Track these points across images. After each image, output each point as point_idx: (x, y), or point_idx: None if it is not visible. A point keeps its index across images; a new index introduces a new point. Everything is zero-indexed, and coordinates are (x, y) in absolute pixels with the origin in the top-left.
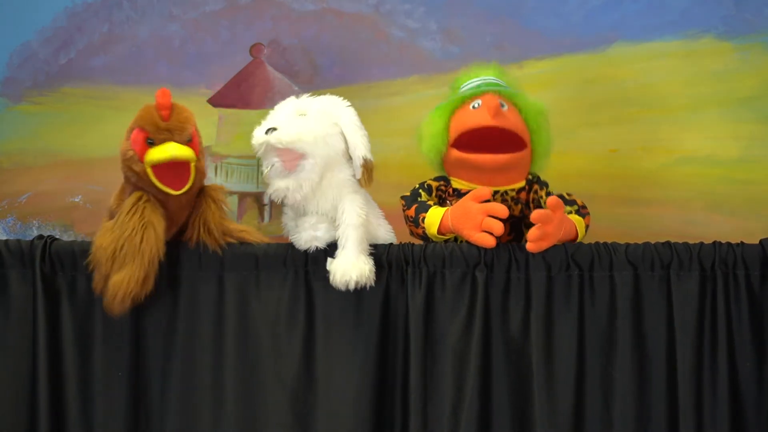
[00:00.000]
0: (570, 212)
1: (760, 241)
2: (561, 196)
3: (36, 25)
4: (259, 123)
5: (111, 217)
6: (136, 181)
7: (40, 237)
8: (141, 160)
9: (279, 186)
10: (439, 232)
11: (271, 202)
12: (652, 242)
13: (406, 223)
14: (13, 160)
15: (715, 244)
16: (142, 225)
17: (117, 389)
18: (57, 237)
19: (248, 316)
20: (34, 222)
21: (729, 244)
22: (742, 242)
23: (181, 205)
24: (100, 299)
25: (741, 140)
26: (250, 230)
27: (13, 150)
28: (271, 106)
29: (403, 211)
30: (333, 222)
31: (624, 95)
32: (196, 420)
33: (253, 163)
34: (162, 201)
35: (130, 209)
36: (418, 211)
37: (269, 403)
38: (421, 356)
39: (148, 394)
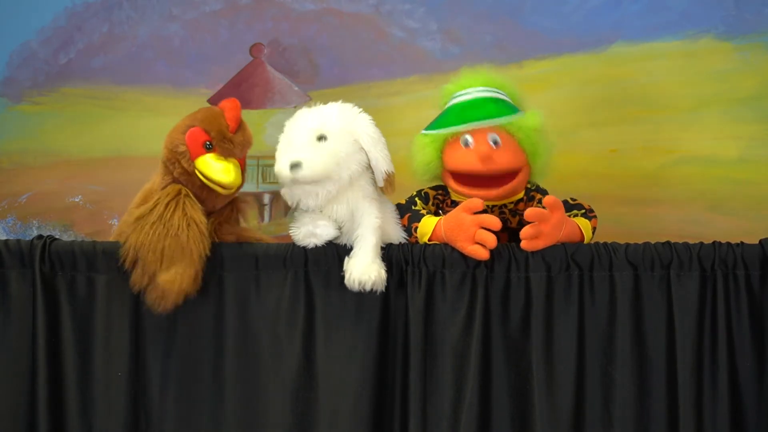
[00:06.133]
0: (576, 215)
1: (760, 241)
2: (566, 201)
3: (36, 25)
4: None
5: (144, 198)
6: (179, 174)
7: (40, 237)
8: (193, 158)
9: (294, 192)
10: (431, 241)
11: (271, 202)
12: (652, 242)
13: None
14: (13, 160)
15: (715, 244)
16: (187, 222)
17: (117, 389)
18: (57, 237)
19: (248, 316)
20: (34, 222)
21: (729, 244)
22: (742, 242)
23: (214, 207)
24: (100, 299)
25: (741, 140)
26: (250, 230)
27: (13, 150)
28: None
29: None
30: (334, 221)
31: (624, 95)
32: (196, 420)
33: (253, 163)
34: (201, 198)
35: (169, 202)
36: (411, 221)
37: (269, 403)
38: (421, 356)
39: (147, 395)
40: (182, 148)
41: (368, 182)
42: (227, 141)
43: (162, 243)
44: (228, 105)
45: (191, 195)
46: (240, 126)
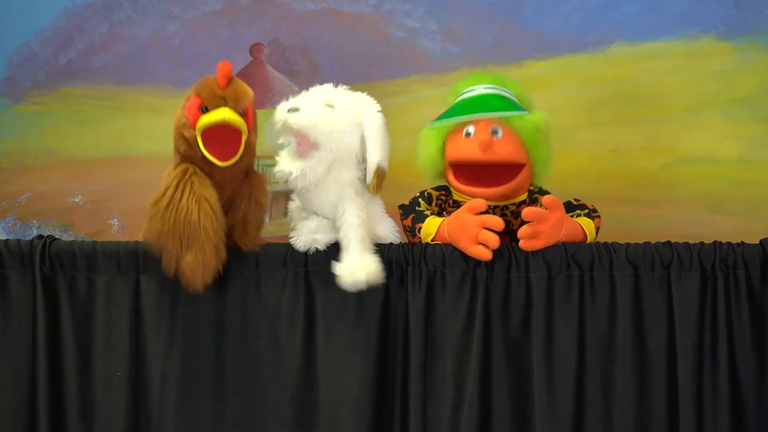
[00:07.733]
0: (579, 215)
1: (760, 241)
2: (569, 202)
3: (36, 25)
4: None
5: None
6: (185, 149)
7: (40, 237)
8: (193, 126)
9: (284, 169)
10: (434, 242)
11: (271, 202)
12: (652, 242)
13: (404, 232)
14: (13, 160)
15: (716, 244)
16: (196, 201)
17: (117, 389)
18: (57, 237)
19: (248, 316)
20: (34, 222)
21: (729, 244)
22: (742, 242)
23: (225, 179)
24: (100, 299)
25: (741, 140)
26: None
27: (13, 150)
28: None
29: (401, 220)
30: (332, 225)
31: (624, 95)
32: (196, 420)
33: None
34: (207, 173)
35: (178, 184)
36: (414, 221)
37: (269, 402)
38: (421, 356)
39: (148, 395)
40: (183, 120)
41: (356, 176)
42: (218, 98)
43: (178, 227)
44: (219, 65)
45: (198, 171)
46: (231, 81)
